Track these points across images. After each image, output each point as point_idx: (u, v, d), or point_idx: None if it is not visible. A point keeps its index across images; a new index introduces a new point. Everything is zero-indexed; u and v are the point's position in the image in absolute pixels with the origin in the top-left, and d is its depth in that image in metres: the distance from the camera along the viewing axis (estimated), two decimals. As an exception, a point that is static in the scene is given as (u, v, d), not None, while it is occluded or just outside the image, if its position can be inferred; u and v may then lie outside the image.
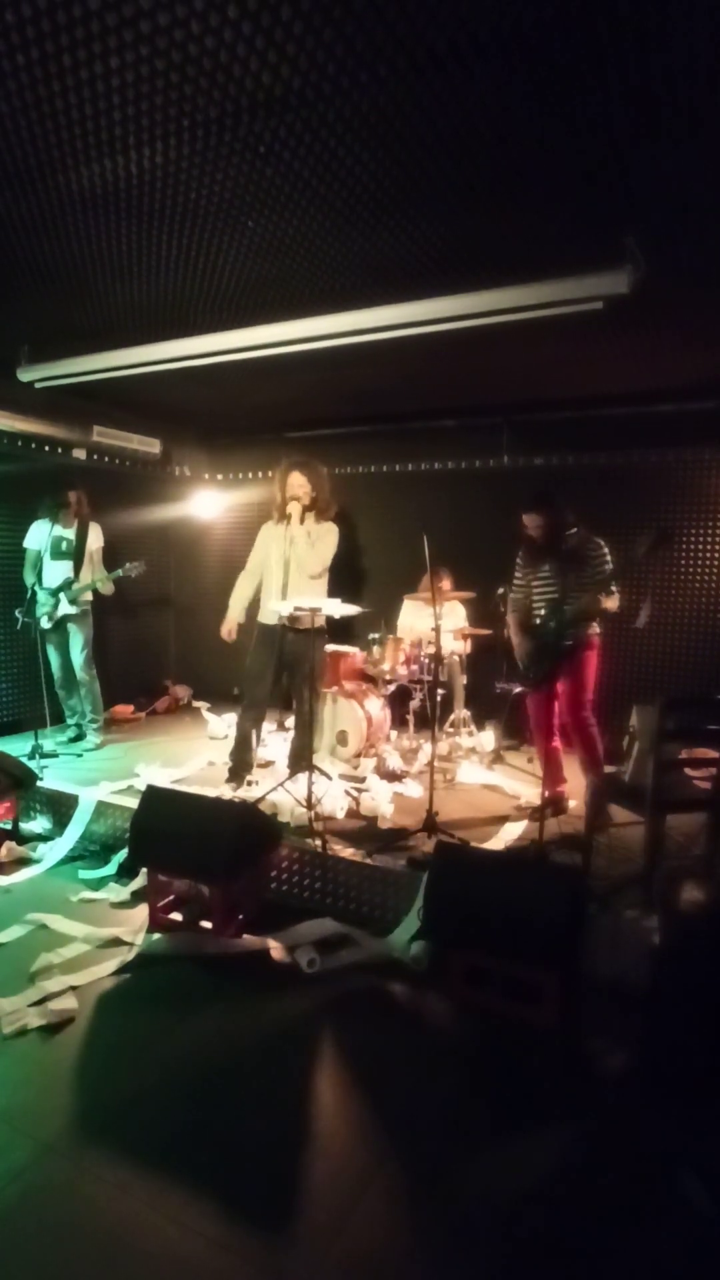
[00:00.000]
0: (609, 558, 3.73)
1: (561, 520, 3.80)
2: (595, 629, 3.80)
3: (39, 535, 4.93)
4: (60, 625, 4.93)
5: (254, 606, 4.27)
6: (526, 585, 3.96)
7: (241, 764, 4.21)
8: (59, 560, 4.90)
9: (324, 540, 4.09)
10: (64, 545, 4.92)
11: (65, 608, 4.85)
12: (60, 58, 1.73)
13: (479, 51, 1.70)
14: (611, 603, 3.64)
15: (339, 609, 3.82)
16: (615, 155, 2.12)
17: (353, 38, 1.66)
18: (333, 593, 4.26)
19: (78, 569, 4.90)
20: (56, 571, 4.88)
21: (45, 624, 4.86)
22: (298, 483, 4.07)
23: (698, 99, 1.86)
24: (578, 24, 1.62)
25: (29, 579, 4.87)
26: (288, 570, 4.01)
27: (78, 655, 4.96)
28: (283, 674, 4.25)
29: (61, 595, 4.84)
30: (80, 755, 4.88)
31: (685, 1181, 1.88)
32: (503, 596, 5.01)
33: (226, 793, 4.04)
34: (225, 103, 1.89)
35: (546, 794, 3.64)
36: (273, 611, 4.07)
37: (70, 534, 4.93)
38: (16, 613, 4.70)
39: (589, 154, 2.12)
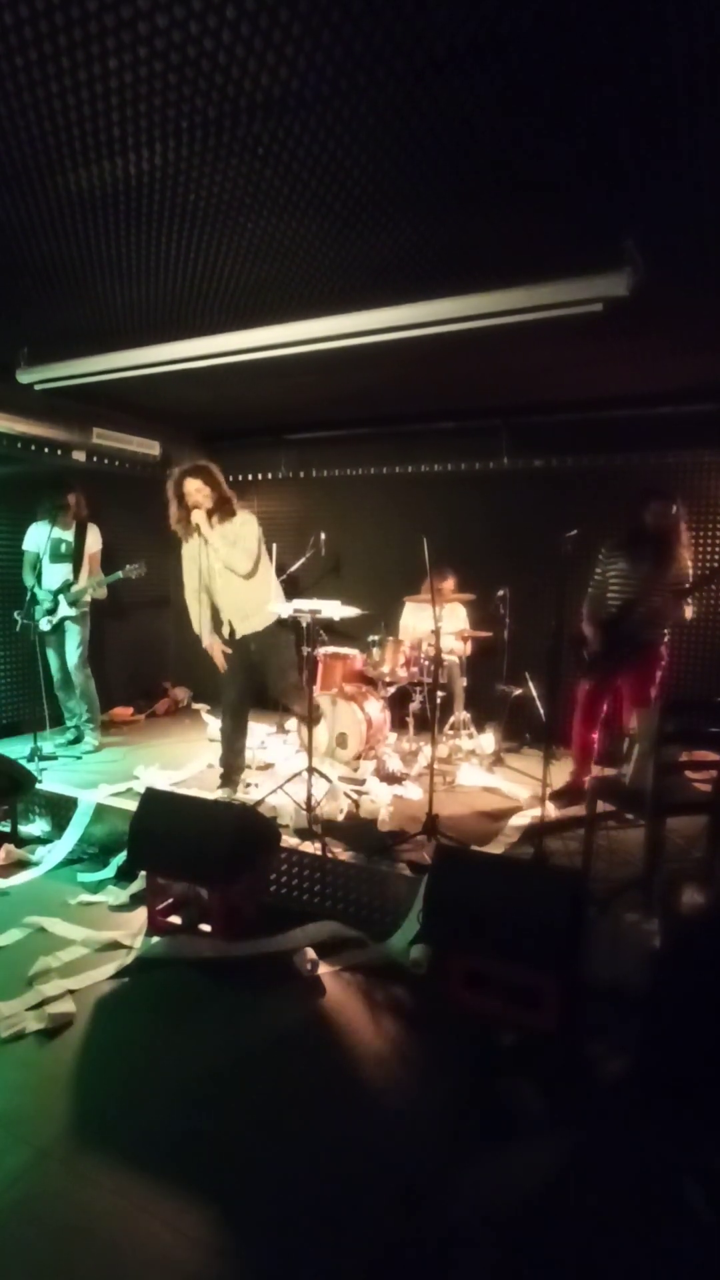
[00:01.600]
0: (690, 568, 3.84)
1: (680, 520, 3.82)
2: (666, 634, 3.90)
3: (38, 537, 4.93)
4: (58, 627, 4.92)
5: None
6: (604, 578, 3.99)
7: (231, 768, 4.15)
8: (58, 562, 4.90)
9: (242, 535, 3.91)
10: (63, 547, 4.92)
11: (64, 609, 4.86)
12: (59, 59, 1.73)
13: (477, 56, 1.70)
14: (689, 611, 3.77)
15: (338, 611, 3.81)
16: (614, 159, 2.11)
17: (351, 41, 1.65)
18: (331, 595, 4.25)
19: (76, 571, 4.90)
20: (55, 574, 4.89)
21: (44, 626, 4.85)
22: (195, 488, 3.87)
23: (696, 103, 1.86)
24: (577, 29, 1.61)
25: (28, 581, 4.88)
26: (221, 580, 3.91)
27: (73, 656, 4.94)
28: (256, 677, 4.18)
29: (60, 597, 4.85)
30: (79, 758, 4.88)
31: (687, 1188, 1.87)
32: (503, 599, 5.03)
33: (222, 796, 4.03)
34: (224, 104, 1.89)
35: (570, 781, 3.68)
36: (225, 622, 4.01)
37: (69, 536, 4.93)
38: (15, 615, 4.71)
39: (588, 157, 2.12)
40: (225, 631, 4.05)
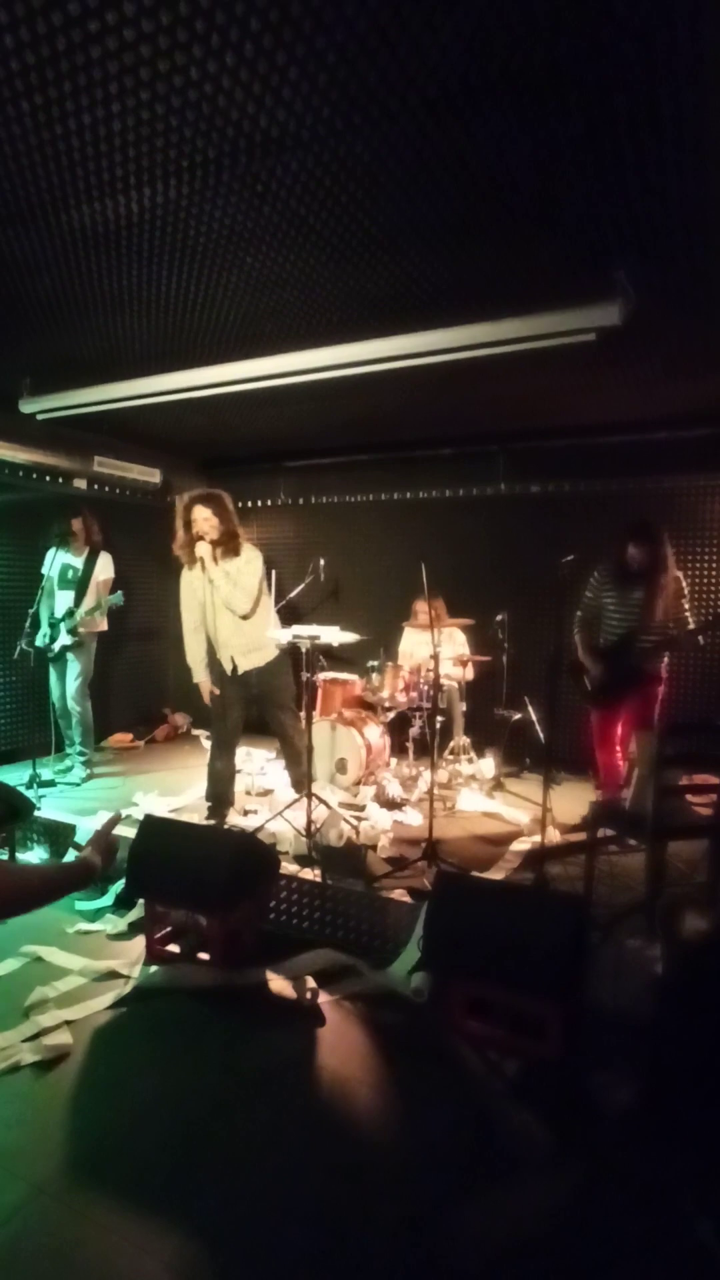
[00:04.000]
0: (687, 600, 3.94)
1: (664, 552, 3.88)
2: (666, 660, 3.97)
3: (51, 563, 4.92)
4: (60, 655, 4.88)
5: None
6: (598, 604, 4.05)
7: (220, 800, 4.06)
8: (64, 589, 4.87)
9: (244, 573, 3.80)
10: (70, 574, 4.88)
11: (63, 638, 4.80)
12: (64, 102, 1.79)
13: (470, 96, 1.76)
14: (692, 625, 3.89)
15: (337, 636, 3.82)
16: (605, 192, 2.17)
17: (346, 82, 1.71)
18: (329, 620, 4.26)
19: (79, 598, 4.83)
20: (61, 600, 4.85)
21: (50, 654, 4.83)
22: (202, 517, 3.73)
23: (685, 139, 1.92)
24: (568, 68, 1.67)
25: (41, 609, 4.82)
26: (221, 616, 3.81)
27: (71, 685, 4.87)
28: (251, 708, 4.12)
29: (61, 625, 4.80)
30: (78, 784, 4.85)
31: (696, 1222, 1.82)
32: (502, 623, 5.05)
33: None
34: (223, 144, 1.95)
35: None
36: (225, 658, 3.92)
37: (78, 562, 4.89)
38: (20, 642, 4.66)
39: (580, 191, 2.17)
40: (227, 667, 3.93)
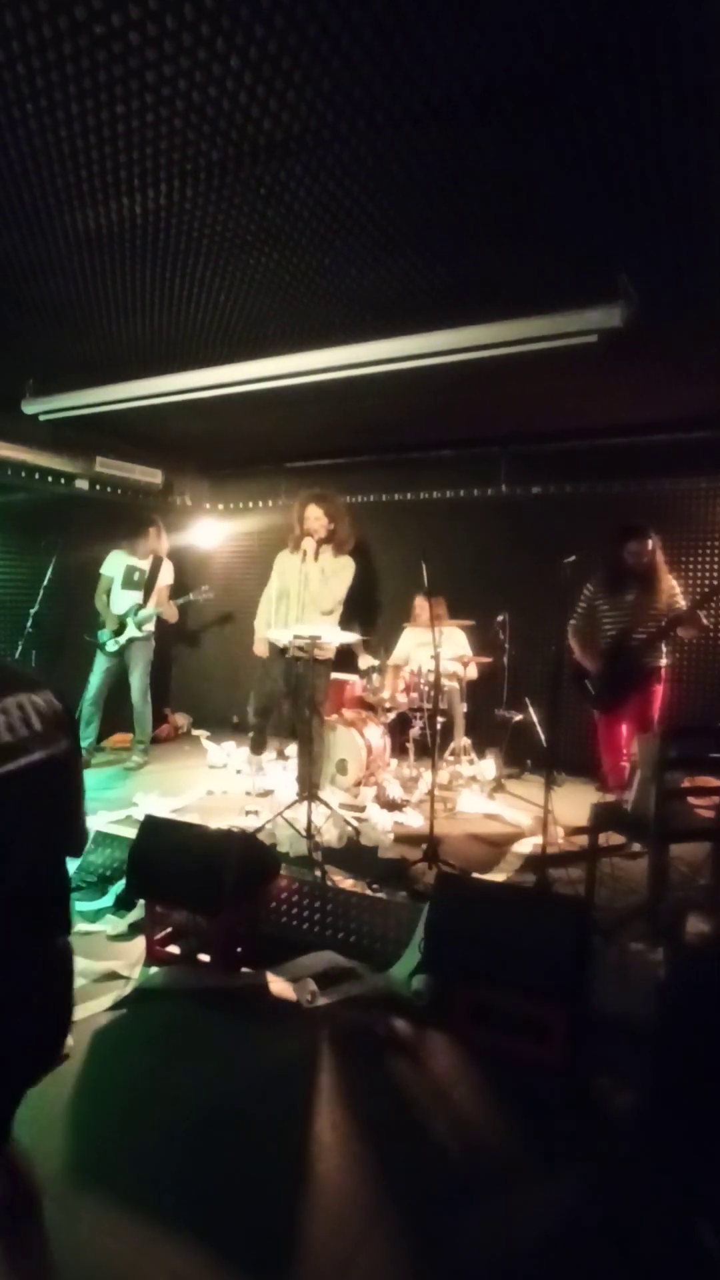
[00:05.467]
0: (680, 595, 3.97)
1: (655, 551, 3.95)
2: (665, 659, 3.98)
3: (114, 564, 5.23)
4: (124, 649, 5.17)
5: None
6: (591, 614, 4.08)
7: (259, 739, 4.38)
8: (129, 589, 5.20)
9: (338, 576, 4.03)
10: (135, 575, 5.23)
11: (131, 631, 5.12)
12: (69, 106, 1.79)
13: (473, 101, 1.76)
14: (703, 618, 3.87)
15: (336, 636, 3.82)
16: (607, 196, 2.17)
17: (350, 88, 1.71)
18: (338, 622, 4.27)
19: (147, 597, 5.19)
20: (124, 599, 5.18)
21: (111, 647, 5.11)
22: (314, 516, 3.98)
23: (687, 143, 1.92)
24: (568, 74, 1.67)
25: (99, 604, 5.18)
26: (302, 606, 3.99)
27: (137, 680, 5.22)
28: (288, 696, 4.26)
29: (129, 620, 5.11)
30: (136, 769, 5.08)
31: (699, 1227, 1.82)
32: (503, 624, 5.05)
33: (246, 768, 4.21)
34: (228, 148, 1.95)
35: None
36: (281, 635, 4.08)
37: (144, 565, 5.27)
38: (86, 635, 5.05)
39: (582, 195, 2.18)
40: (282, 643, 4.09)
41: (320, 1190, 1.95)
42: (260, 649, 4.35)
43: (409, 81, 1.70)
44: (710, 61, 1.62)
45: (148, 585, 5.22)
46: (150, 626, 5.20)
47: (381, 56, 1.62)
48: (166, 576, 5.35)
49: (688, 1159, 2.07)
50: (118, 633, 5.10)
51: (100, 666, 5.13)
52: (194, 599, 5.43)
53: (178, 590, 5.49)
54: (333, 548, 4.02)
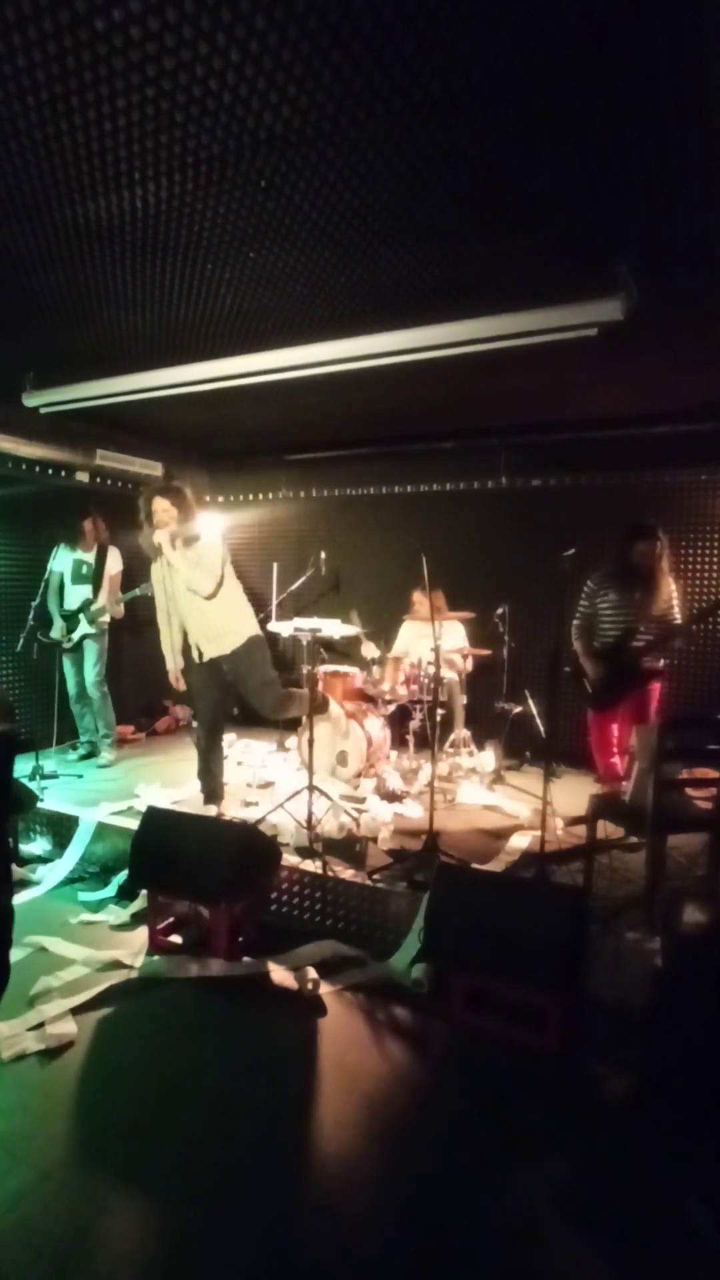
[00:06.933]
0: (676, 602, 4.01)
1: (664, 552, 3.98)
2: (662, 660, 4.03)
3: (61, 560, 5.15)
4: (78, 645, 5.12)
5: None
6: (593, 610, 4.11)
7: (211, 793, 4.16)
8: (79, 584, 5.12)
9: (205, 556, 3.83)
10: (83, 569, 5.14)
11: (84, 628, 5.06)
12: (69, 99, 1.79)
13: (473, 94, 1.76)
14: (682, 627, 3.93)
15: (338, 629, 3.84)
16: (608, 188, 2.18)
17: (350, 80, 1.71)
18: (333, 613, 4.28)
19: (96, 592, 5.10)
20: (76, 594, 5.10)
21: (66, 644, 5.06)
22: (162, 508, 3.80)
23: (688, 135, 1.92)
24: (569, 67, 1.68)
25: (50, 603, 5.06)
26: (189, 602, 3.87)
27: (90, 672, 5.12)
28: (230, 697, 4.23)
29: (81, 616, 5.04)
30: (80, 776, 4.89)
31: (693, 1209, 1.85)
32: (502, 617, 5.07)
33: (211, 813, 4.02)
34: (228, 141, 1.95)
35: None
36: (193, 645, 4.00)
37: (89, 558, 5.15)
38: (22, 635, 4.76)
39: (583, 188, 2.18)
40: (195, 655, 4.01)
41: (322, 1172, 1.98)
42: (173, 673, 4.14)
43: (409, 74, 1.69)
44: (712, 53, 1.63)
45: (96, 577, 5.12)
46: (105, 620, 5.13)
47: (382, 49, 1.62)
48: (115, 564, 5.23)
49: (681, 1142, 2.10)
50: (70, 630, 5.06)
51: (65, 666, 5.15)
52: (140, 593, 5.12)
53: (127, 579, 5.28)
54: (185, 537, 3.82)
